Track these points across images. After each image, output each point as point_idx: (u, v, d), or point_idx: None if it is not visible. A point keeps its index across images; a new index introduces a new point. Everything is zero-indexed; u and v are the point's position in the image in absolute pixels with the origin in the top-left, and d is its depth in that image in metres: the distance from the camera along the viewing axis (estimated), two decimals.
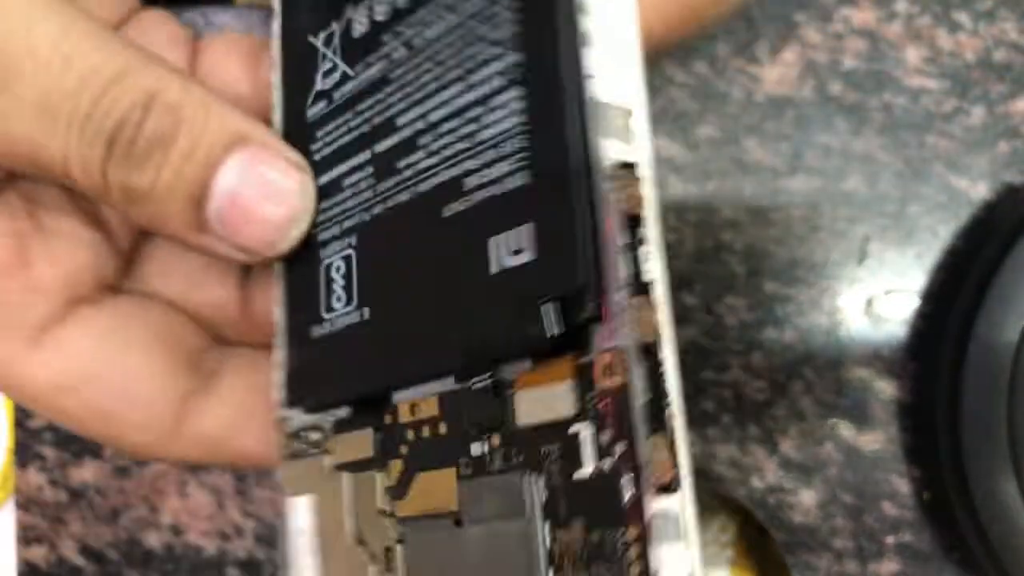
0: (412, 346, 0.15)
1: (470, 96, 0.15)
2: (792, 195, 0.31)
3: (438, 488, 0.15)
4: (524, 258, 0.13)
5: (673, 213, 0.31)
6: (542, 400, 0.13)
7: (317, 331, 0.17)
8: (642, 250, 0.13)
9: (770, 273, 0.31)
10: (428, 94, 0.16)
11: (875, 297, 0.31)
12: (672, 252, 0.31)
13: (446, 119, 0.15)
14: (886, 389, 0.31)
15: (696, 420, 0.31)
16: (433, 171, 0.15)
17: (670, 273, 0.31)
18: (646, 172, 0.13)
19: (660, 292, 0.13)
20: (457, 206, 0.15)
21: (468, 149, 0.15)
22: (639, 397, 0.12)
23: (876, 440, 0.31)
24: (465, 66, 0.15)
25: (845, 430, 0.31)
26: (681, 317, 0.31)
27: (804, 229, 0.31)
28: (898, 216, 0.31)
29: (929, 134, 0.31)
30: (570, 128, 0.13)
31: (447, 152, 0.15)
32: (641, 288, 0.12)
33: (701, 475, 0.31)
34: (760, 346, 0.31)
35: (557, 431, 0.13)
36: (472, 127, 0.15)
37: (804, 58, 0.31)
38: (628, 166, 0.13)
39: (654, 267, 0.13)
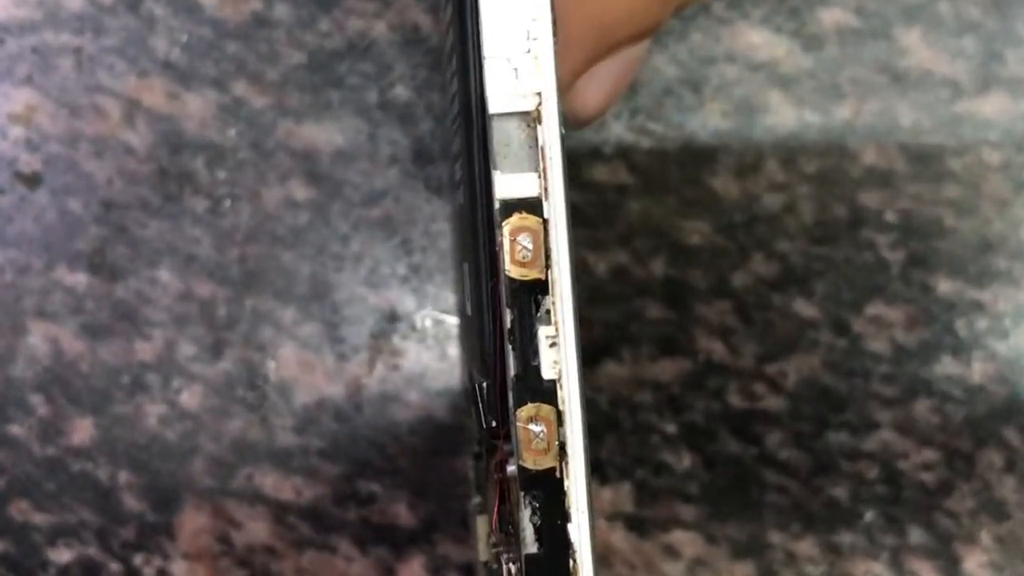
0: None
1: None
2: (982, 126, 0.24)
3: None
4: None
5: (777, 160, 0.24)
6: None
7: None
8: (544, 353, 0.13)
9: (944, 264, 0.24)
10: None
11: None
12: (778, 226, 0.24)
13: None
14: None
15: (817, 520, 0.23)
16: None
17: (773, 266, 0.25)
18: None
19: (570, 400, 0.13)
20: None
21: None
22: (528, 547, 0.13)
23: None
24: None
25: None
26: (793, 338, 0.24)
27: (1002, 187, 0.24)
28: None
29: None
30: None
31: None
32: (542, 395, 0.13)
33: None
34: (928, 389, 0.24)
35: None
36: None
37: None
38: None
39: (559, 367, 0.13)
